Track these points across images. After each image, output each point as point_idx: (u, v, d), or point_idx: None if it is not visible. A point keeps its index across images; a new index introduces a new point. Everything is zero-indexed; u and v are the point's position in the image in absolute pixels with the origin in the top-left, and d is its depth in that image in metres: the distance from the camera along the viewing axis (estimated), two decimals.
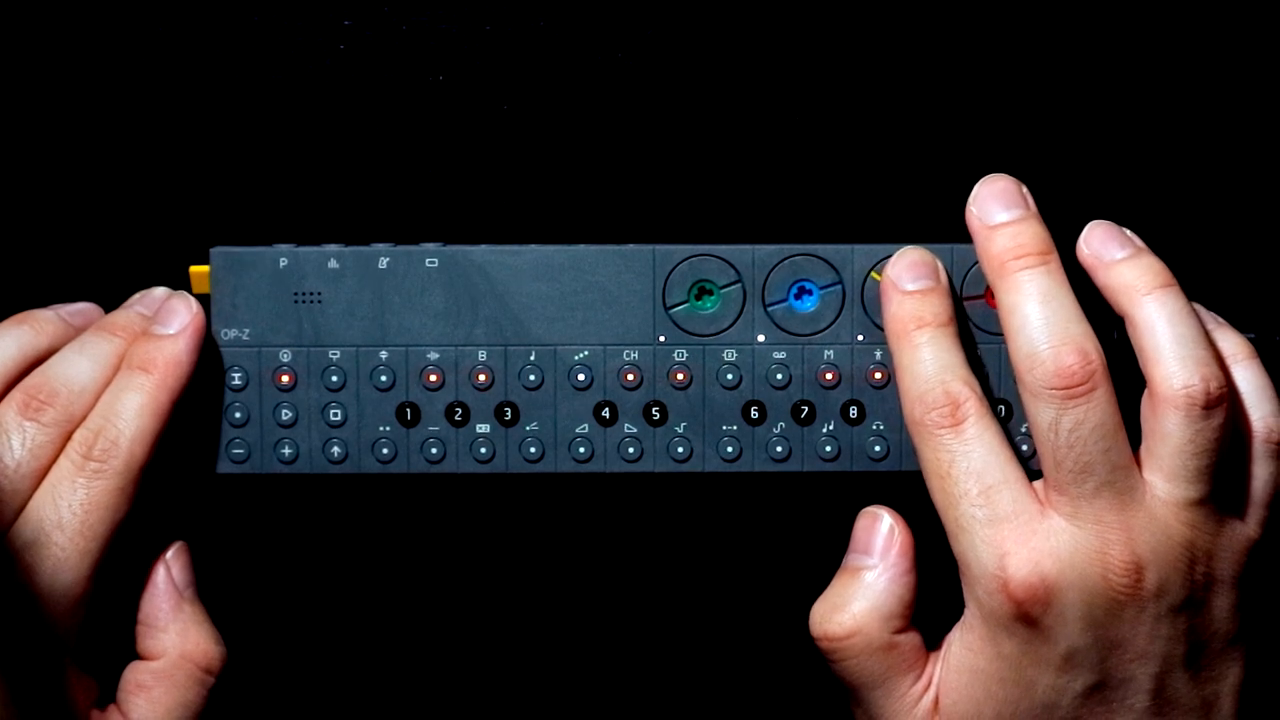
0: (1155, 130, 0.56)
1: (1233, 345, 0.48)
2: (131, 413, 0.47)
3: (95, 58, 0.55)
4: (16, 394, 0.47)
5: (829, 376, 0.50)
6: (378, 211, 0.56)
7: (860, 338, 0.50)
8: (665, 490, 0.58)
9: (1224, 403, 0.45)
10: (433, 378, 0.50)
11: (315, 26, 0.55)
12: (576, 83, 0.55)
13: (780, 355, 0.51)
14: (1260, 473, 0.47)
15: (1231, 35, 0.55)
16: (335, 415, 0.50)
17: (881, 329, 0.50)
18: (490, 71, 0.55)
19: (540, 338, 0.50)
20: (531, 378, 0.50)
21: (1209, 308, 0.49)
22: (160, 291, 0.51)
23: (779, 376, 0.50)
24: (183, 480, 0.50)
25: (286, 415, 0.50)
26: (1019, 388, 0.46)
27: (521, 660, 0.59)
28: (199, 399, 0.50)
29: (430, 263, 0.50)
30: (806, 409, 0.51)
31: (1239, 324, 0.49)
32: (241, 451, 0.51)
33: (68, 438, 0.47)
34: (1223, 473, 0.46)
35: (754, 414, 0.51)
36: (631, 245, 0.50)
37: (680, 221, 0.56)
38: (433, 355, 0.50)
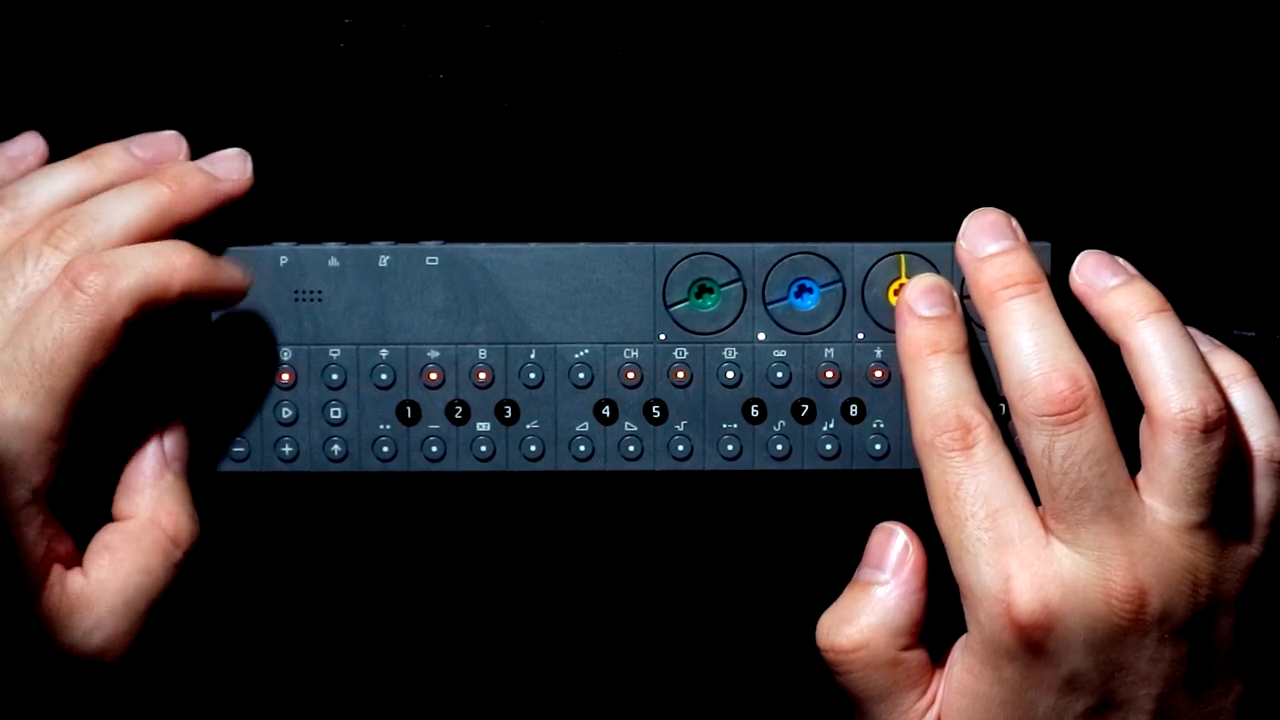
0: (1156, 125, 0.56)
1: (1230, 366, 0.47)
2: (144, 259, 0.45)
3: (95, 57, 0.55)
4: (47, 222, 0.46)
5: (829, 375, 0.50)
6: (378, 210, 0.56)
7: (860, 336, 0.50)
8: (665, 488, 0.58)
9: (1223, 425, 0.45)
10: (433, 376, 0.50)
11: (315, 25, 0.55)
12: (576, 82, 0.55)
13: (780, 353, 0.51)
14: (1263, 492, 0.46)
15: (1224, 36, 0.56)
16: (335, 413, 0.50)
17: (882, 327, 0.50)
18: (490, 71, 0.55)
19: (540, 336, 0.50)
20: (532, 376, 0.50)
21: (1209, 308, 0.49)
22: (232, 151, 0.50)
23: (779, 375, 0.50)
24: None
25: (287, 413, 0.50)
26: (1012, 415, 0.46)
27: (522, 659, 0.59)
28: (199, 399, 0.50)
29: (430, 261, 0.50)
30: (807, 407, 0.51)
31: (1239, 324, 0.49)
32: (242, 450, 0.51)
33: None
34: (1224, 495, 0.45)
35: (754, 412, 0.51)
36: (632, 243, 0.50)
37: (680, 220, 0.56)
38: (433, 353, 0.50)
